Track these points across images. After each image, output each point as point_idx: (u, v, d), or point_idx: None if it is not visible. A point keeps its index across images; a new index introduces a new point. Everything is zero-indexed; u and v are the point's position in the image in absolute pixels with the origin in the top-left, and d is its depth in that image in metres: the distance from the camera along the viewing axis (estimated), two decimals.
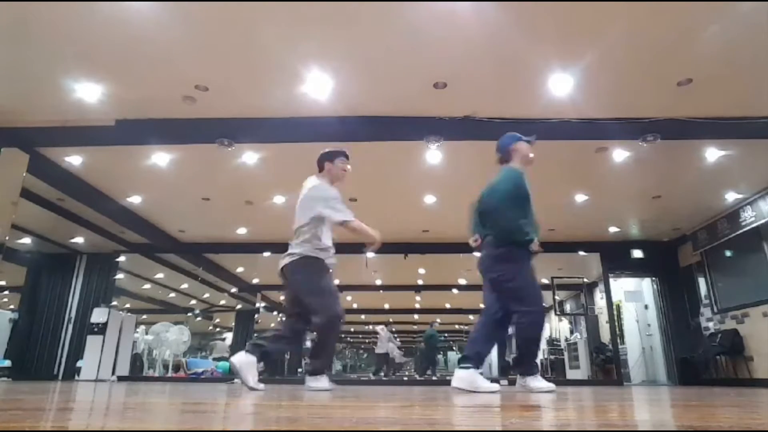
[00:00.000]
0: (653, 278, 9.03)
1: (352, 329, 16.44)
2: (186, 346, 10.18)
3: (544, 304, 3.24)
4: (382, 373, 11.34)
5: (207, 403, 1.84)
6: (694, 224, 7.86)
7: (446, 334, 18.31)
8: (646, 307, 9.50)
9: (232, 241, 9.06)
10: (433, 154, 5.37)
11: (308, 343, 3.66)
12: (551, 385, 3.02)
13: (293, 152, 5.54)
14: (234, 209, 7.35)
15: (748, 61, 3.97)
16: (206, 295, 12.71)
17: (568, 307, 10.94)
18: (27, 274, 9.19)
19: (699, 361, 7.67)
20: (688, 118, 4.72)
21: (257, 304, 11.82)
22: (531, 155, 3.33)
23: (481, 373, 3.07)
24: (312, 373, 3.29)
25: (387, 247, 9.50)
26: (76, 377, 7.88)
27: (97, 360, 7.80)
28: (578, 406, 1.89)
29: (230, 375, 10.30)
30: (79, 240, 8.50)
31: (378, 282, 11.57)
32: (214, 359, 11.90)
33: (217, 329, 14.71)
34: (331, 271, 3.43)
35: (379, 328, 11.81)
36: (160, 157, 5.57)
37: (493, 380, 3.54)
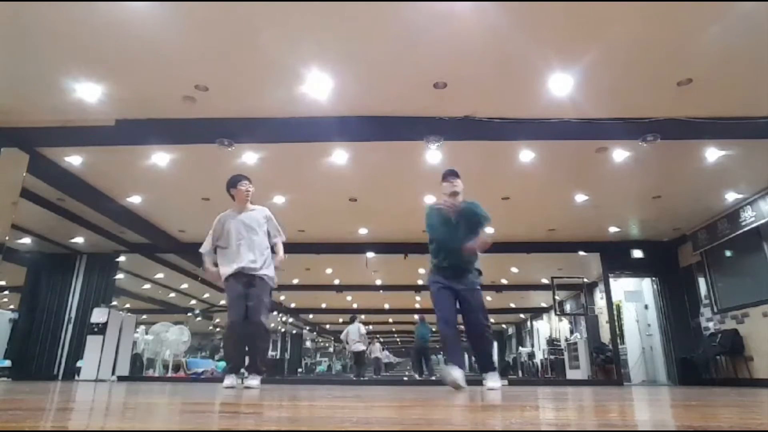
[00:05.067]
0: (653, 278, 9.02)
1: None
2: (186, 346, 10.19)
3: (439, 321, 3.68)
4: (359, 374, 10.88)
5: (207, 403, 1.84)
6: (694, 224, 7.86)
7: None
8: (646, 307, 9.50)
9: None
10: (433, 154, 5.36)
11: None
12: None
13: (293, 152, 5.54)
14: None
15: (748, 61, 3.97)
16: (206, 295, 12.72)
17: (568, 307, 10.95)
18: (27, 274, 9.18)
19: (699, 361, 7.68)
20: (688, 118, 4.71)
21: None
22: (445, 193, 3.79)
23: None
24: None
25: (387, 247, 9.52)
26: (76, 377, 7.88)
27: (97, 360, 7.80)
28: (578, 406, 1.89)
29: None
30: (79, 240, 8.50)
31: (378, 282, 11.57)
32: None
33: (217, 329, 14.71)
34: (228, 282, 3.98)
35: (350, 326, 11.21)
36: (160, 157, 5.57)
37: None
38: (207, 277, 4.14)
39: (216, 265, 4.01)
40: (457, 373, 3.27)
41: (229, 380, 3.73)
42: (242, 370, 4.02)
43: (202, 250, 4.07)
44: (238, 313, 3.83)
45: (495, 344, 3.85)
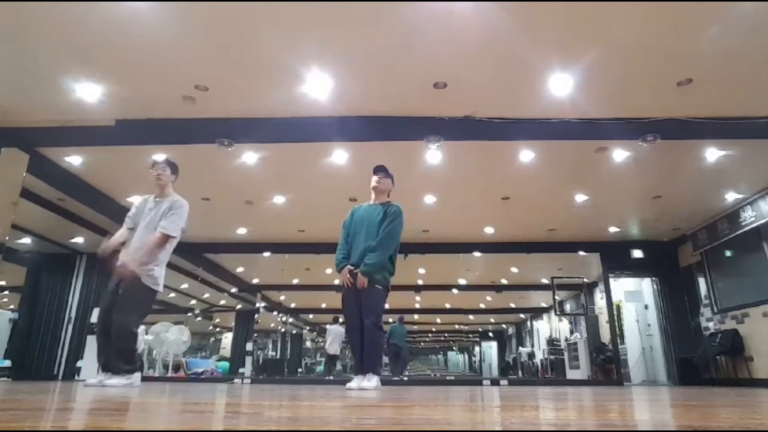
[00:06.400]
0: (653, 278, 9.03)
1: None
2: (186, 346, 10.18)
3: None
4: (331, 376, 11.04)
5: (207, 403, 1.84)
6: (694, 224, 7.86)
7: (446, 334, 18.31)
8: (646, 307, 9.50)
9: (232, 241, 9.05)
10: (433, 154, 5.36)
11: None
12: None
13: (293, 152, 5.54)
14: (234, 209, 7.35)
15: (748, 61, 3.97)
16: (206, 295, 12.70)
17: (568, 307, 10.94)
18: (27, 274, 9.17)
19: (699, 361, 7.67)
20: (688, 118, 4.72)
21: (257, 304, 11.83)
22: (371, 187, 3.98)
23: None
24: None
25: None
26: (76, 377, 7.87)
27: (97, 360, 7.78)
28: (578, 406, 1.89)
29: (230, 375, 10.32)
30: (79, 240, 8.49)
31: None
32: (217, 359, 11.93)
33: (217, 329, 14.71)
34: None
35: (329, 326, 11.34)
36: (160, 158, 5.57)
37: (493, 380, 3.70)
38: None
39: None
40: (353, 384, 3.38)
41: (96, 377, 3.40)
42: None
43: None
44: (105, 305, 3.56)
45: (381, 349, 3.75)
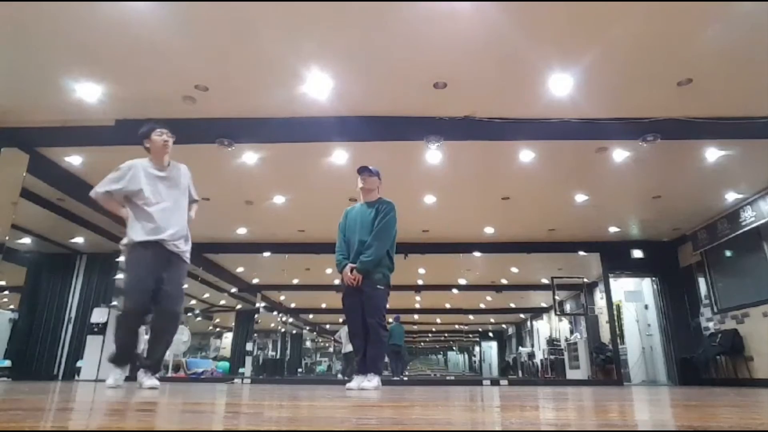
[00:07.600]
0: (653, 278, 9.03)
1: None
2: (186, 346, 10.18)
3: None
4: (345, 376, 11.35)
5: (207, 403, 1.84)
6: (694, 224, 7.86)
7: (446, 334, 18.30)
8: (646, 307, 9.50)
9: (232, 241, 9.05)
10: (433, 154, 5.36)
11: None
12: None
13: (293, 152, 5.54)
14: (234, 209, 7.35)
15: (748, 61, 3.97)
16: (206, 295, 12.70)
17: (568, 307, 10.93)
18: (27, 274, 9.18)
19: (699, 361, 7.68)
20: (688, 118, 4.72)
21: (257, 304, 11.83)
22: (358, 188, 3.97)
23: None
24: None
25: None
26: (76, 377, 7.88)
27: (97, 360, 7.79)
28: (578, 406, 1.89)
29: (230, 375, 10.32)
30: (79, 240, 8.49)
31: None
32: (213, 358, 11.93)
33: (217, 329, 14.71)
34: (136, 251, 3.14)
35: (337, 334, 11.59)
36: None
37: (493, 380, 3.71)
38: (109, 208, 3.32)
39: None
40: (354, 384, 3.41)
41: (114, 378, 3.16)
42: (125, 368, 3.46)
43: (94, 192, 3.28)
44: (143, 298, 3.10)
45: (383, 351, 3.74)
